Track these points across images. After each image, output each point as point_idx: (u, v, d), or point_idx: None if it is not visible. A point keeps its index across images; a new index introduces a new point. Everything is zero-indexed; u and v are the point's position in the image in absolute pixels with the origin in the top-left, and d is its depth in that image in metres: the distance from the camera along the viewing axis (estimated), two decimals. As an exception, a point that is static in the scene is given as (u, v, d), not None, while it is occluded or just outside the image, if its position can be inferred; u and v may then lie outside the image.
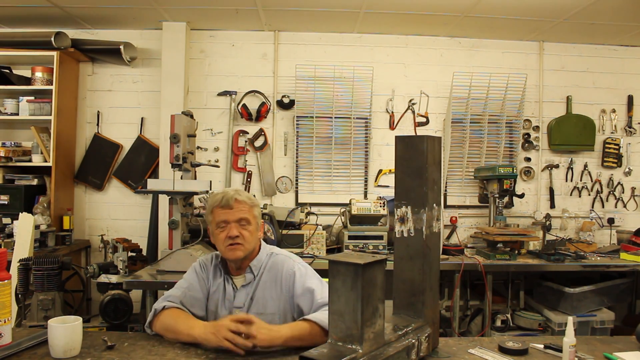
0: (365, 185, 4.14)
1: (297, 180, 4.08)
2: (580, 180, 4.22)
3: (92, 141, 4.05)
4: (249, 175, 4.06)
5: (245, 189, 4.03)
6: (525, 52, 4.19)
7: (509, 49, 4.18)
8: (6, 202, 3.60)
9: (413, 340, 1.37)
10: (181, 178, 3.05)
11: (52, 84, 3.63)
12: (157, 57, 3.98)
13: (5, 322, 1.46)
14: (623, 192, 4.22)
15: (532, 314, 3.47)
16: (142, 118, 4.06)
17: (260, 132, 4.04)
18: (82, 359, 1.43)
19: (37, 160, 3.69)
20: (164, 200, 3.57)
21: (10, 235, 3.38)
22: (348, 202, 3.62)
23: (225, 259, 1.88)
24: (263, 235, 2.96)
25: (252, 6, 3.53)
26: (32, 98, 3.71)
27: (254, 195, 3.80)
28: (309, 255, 3.32)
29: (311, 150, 4.07)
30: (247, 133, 4.06)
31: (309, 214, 3.72)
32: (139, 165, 4.03)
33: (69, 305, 3.41)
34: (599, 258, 3.45)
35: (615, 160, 4.19)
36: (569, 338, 1.40)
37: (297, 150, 4.06)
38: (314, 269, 1.97)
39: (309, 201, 4.02)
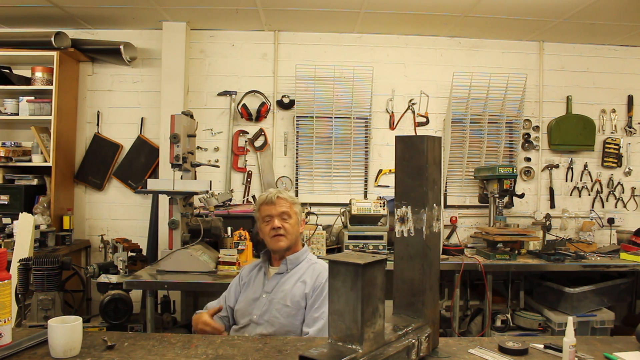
0: (365, 185, 4.13)
1: (297, 180, 4.08)
2: (580, 180, 4.22)
3: (92, 141, 4.05)
4: (249, 175, 4.06)
5: (245, 189, 4.03)
6: (525, 52, 4.19)
7: (509, 49, 4.18)
8: (6, 202, 3.60)
9: (413, 340, 1.37)
10: (181, 178, 3.05)
11: (52, 84, 3.63)
12: (157, 57, 3.98)
13: (5, 322, 1.46)
14: (623, 192, 4.22)
15: (532, 314, 3.47)
16: (142, 118, 4.06)
17: (260, 132, 4.04)
18: (82, 359, 1.43)
19: (37, 160, 3.69)
20: (164, 200, 3.56)
21: (10, 235, 3.38)
22: (348, 202, 3.61)
23: (270, 251, 2.15)
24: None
25: (252, 6, 3.53)
26: (32, 98, 3.71)
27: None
28: (309, 255, 3.31)
29: (311, 150, 4.07)
30: (247, 133, 4.05)
31: (309, 214, 3.71)
32: (139, 165, 4.02)
33: (69, 305, 3.41)
34: (599, 258, 3.45)
35: (615, 160, 4.19)
36: (569, 338, 1.40)
37: (297, 150, 4.06)
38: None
39: (309, 201, 4.01)
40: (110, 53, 3.86)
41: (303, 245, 2.19)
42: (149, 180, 3.13)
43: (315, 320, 1.91)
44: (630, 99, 4.21)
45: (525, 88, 4.09)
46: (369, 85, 4.03)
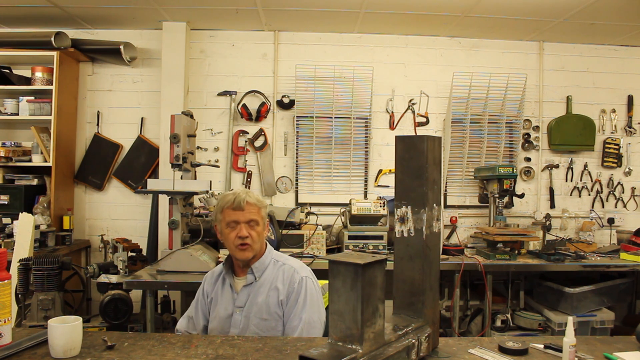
0: (365, 185, 4.13)
1: (297, 180, 4.08)
2: (580, 180, 4.22)
3: (92, 141, 4.05)
4: (249, 175, 4.06)
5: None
6: (525, 52, 4.19)
7: (509, 49, 4.18)
8: (6, 202, 3.60)
9: (413, 340, 1.37)
10: (181, 178, 3.05)
11: (52, 84, 3.63)
12: (157, 57, 3.98)
13: (5, 322, 1.46)
14: (623, 192, 4.22)
15: (532, 314, 3.47)
16: (142, 118, 4.06)
17: (260, 132, 4.04)
18: (82, 359, 1.43)
19: (37, 160, 3.69)
20: (164, 200, 3.56)
21: (10, 235, 3.38)
22: (348, 202, 3.62)
23: (233, 260, 1.98)
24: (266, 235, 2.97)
25: (252, 6, 3.53)
26: (32, 98, 3.71)
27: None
28: (309, 255, 3.31)
29: (311, 150, 4.07)
30: (247, 133, 4.05)
31: (309, 214, 3.72)
32: (139, 165, 4.02)
33: (69, 305, 3.41)
34: (599, 258, 3.45)
35: (615, 160, 4.19)
36: (569, 338, 1.40)
37: (297, 150, 4.06)
38: (314, 269, 2.01)
39: (309, 201, 4.02)
40: (110, 53, 3.86)
41: (266, 245, 2.01)
42: (149, 180, 3.13)
43: (294, 329, 1.84)
44: (630, 99, 4.21)
45: (525, 88, 4.09)
46: (369, 85, 4.03)
